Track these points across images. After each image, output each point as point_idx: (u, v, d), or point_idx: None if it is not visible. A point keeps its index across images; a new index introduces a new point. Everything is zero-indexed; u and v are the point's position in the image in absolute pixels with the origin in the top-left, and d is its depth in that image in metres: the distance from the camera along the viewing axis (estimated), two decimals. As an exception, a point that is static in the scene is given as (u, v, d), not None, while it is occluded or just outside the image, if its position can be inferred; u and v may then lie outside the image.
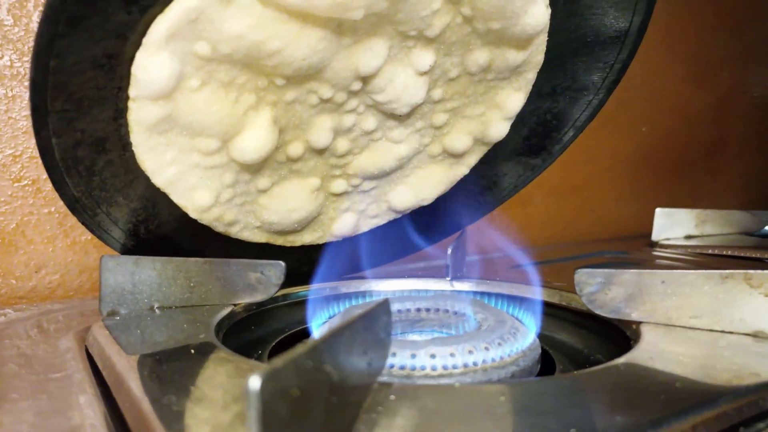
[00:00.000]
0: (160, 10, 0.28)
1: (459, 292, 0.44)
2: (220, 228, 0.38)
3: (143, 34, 0.28)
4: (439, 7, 0.33)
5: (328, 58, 0.32)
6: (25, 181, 0.49)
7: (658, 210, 0.73)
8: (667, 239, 0.73)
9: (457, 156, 0.43)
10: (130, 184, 0.34)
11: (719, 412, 0.22)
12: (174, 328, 0.33)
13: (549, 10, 0.35)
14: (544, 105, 0.43)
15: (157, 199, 0.35)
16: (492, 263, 0.57)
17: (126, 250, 0.38)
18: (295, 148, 0.37)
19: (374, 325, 0.22)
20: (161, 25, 0.28)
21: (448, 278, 0.45)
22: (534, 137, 0.45)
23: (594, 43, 0.40)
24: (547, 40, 0.38)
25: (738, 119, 1.06)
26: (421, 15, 0.32)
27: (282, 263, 0.39)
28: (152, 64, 0.29)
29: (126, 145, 0.32)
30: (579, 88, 0.43)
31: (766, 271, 0.30)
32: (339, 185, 0.41)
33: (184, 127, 0.32)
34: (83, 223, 0.35)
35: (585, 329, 0.39)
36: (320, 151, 0.38)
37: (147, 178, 0.33)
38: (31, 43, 0.48)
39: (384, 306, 0.24)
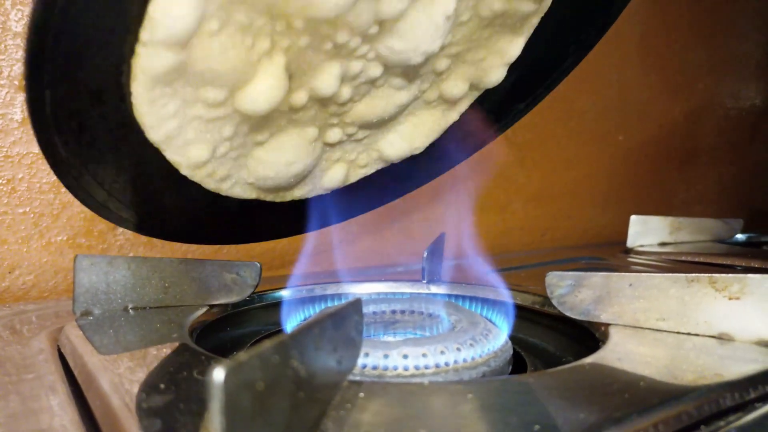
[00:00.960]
0: None
1: (434, 294, 0.45)
2: (210, 185, 0.36)
3: None
4: None
5: None
6: (0, 181, 0.48)
7: (633, 217, 0.74)
8: (642, 246, 0.74)
9: (451, 102, 0.42)
10: (121, 140, 0.32)
11: (681, 411, 0.22)
12: (147, 328, 0.33)
13: None
14: (536, 50, 0.42)
15: (146, 156, 0.32)
16: (469, 268, 0.58)
17: (109, 214, 0.36)
18: (299, 97, 0.34)
19: (345, 324, 0.23)
20: None
21: (424, 281, 0.46)
22: (522, 83, 0.44)
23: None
24: None
25: (711, 130, 1.09)
26: None
27: (258, 264, 0.39)
28: (174, 3, 0.25)
29: (123, 96, 0.28)
30: (573, 30, 0.42)
31: (729, 275, 0.31)
32: (334, 134, 0.39)
33: (193, 76, 0.29)
34: (67, 186, 0.33)
35: (557, 332, 0.39)
36: (323, 100, 0.35)
37: (139, 134, 0.30)
38: (8, 42, 0.48)
39: (355, 305, 0.25)
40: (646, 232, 0.74)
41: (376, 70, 0.35)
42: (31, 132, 0.49)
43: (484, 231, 0.80)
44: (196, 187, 0.35)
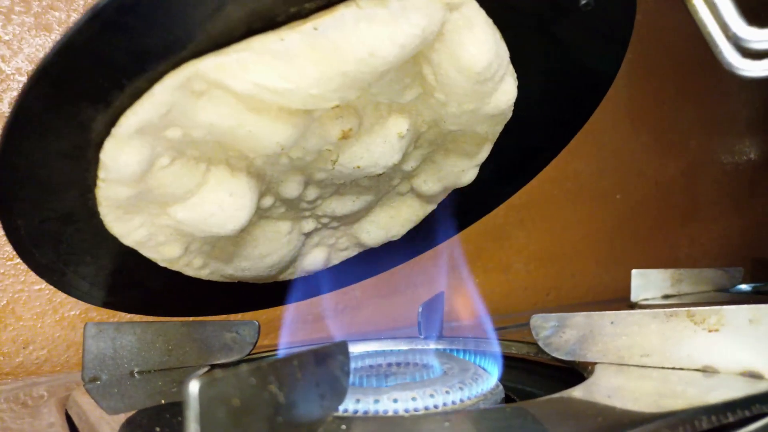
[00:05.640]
0: (129, 103, 0.27)
1: (430, 348, 0.46)
2: (190, 272, 0.37)
3: (111, 123, 0.27)
4: (411, 82, 0.33)
5: (300, 131, 0.31)
6: (18, 260, 0.51)
7: (633, 271, 0.74)
8: (646, 300, 0.74)
9: (424, 197, 0.43)
10: (99, 245, 0.34)
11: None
12: (152, 389, 0.35)
13: (516, 82, 0.34)
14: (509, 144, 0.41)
15: (127, 253, 0.35)
16: (471, 327, 0.59)
17: (97, 301, 0.38)
18: (266, 201, 0.36)
19: (327, 361, 0.24)
20: (130, 120, 0.27)
21: (422, 336, 0.47)
22: (502, 171, 0.45)
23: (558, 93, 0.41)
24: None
25: (710, 185, 1.11)
26: (394, 89, 0.33)
27: (256, 322, 0.41)
28: (122, 154, 0.28)
29: (94, 214, 0.32)
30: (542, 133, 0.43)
31: (706, 308, 0.32)
32: (308, 224, 0.40)
33: (155, 197, 0.31)
34: (51, 284, 0.35)
35: (551, 379, 0.40)
36: (290, 201, 0.37)
37: (115, 239, 0.33)
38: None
39: (341, 346, 0.26)
40: (648, 285, 0.74)
41: (340, 179, 0.37)
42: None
43: (489, 292, 0.81)
44: (177, 273, 0.37)
